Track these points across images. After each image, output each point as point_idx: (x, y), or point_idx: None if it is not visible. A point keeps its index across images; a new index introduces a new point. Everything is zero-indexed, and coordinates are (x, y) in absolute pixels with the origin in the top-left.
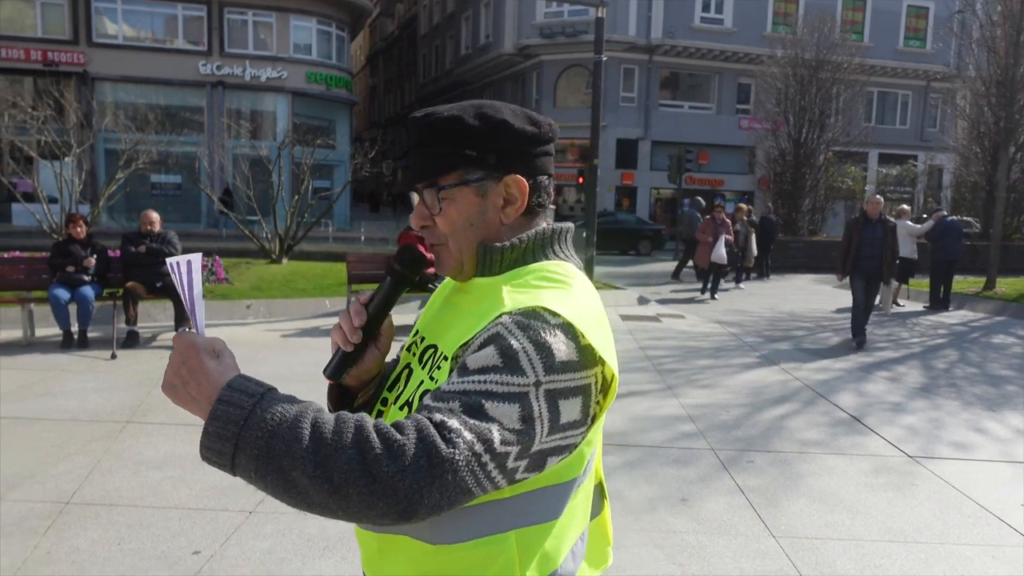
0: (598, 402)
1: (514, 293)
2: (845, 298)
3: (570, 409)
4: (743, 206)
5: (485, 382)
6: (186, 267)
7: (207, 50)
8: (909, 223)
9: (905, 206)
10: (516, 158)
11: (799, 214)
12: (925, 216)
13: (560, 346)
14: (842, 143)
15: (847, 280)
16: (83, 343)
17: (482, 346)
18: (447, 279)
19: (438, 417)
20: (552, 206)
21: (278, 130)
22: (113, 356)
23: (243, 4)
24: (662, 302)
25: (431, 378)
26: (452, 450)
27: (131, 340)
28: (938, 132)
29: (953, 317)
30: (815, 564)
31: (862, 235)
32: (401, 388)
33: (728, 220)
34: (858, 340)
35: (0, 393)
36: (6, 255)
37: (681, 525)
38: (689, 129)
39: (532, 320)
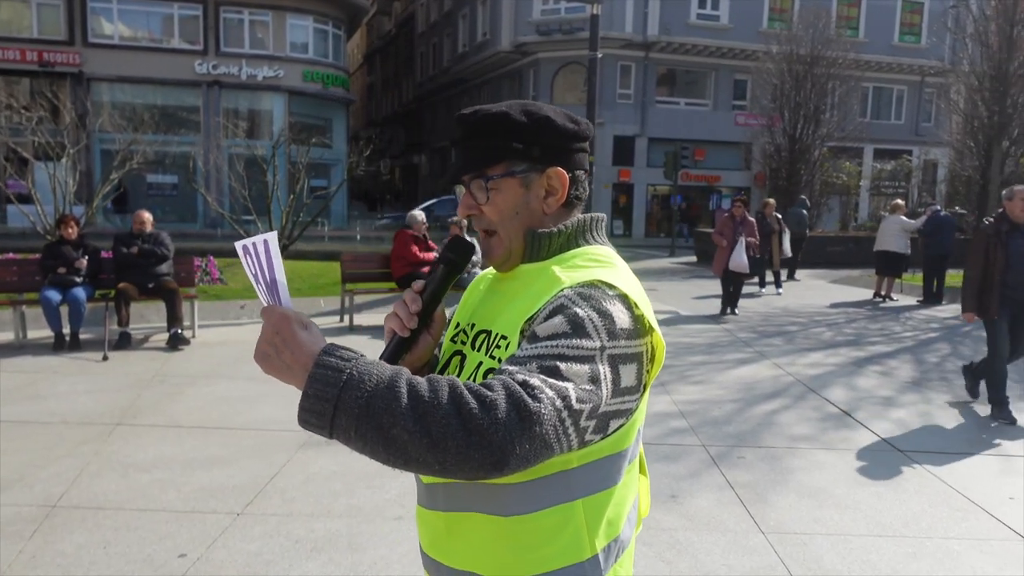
0: (648, 370)
1: (568, 272)
2: (839, 293)
3: (628, 374)
4: (771, 200)
5: (557, 347)
6: (263, 247)
7: (203, 49)
8: (903, 218)
9: (899, 201)
10: (558, 152)
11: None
12: (921, 210)
13: (619, 315)
14: (837, 138)
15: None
16: (75, 345)
17: (550, 316)
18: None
19: (520, 377)
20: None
21: (275, 129)
22: (105, 358)
23: (239, 3)
24: (665, 322)
25: (491, 357)
26: (538, 405)
27: (123, 342)
28: (933, 127)
29: (946, 311)
30: (803, 560)
31: (1008, 250)
32: (455, 373)
33: (751, 219)
34: (1002, 415)
35: None
36: None
37: (671, 522)
38: (686, 125)
39: (593, 291)
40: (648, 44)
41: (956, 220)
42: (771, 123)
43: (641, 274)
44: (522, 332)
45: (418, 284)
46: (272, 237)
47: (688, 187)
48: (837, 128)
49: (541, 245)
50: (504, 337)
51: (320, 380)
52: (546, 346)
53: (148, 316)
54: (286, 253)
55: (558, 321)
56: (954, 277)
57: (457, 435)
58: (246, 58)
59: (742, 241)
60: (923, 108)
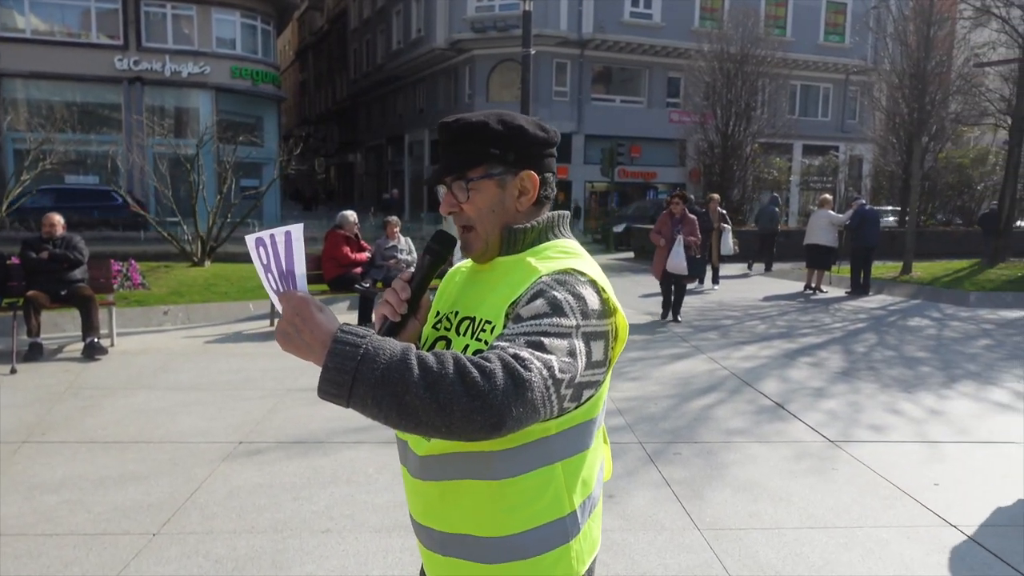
0: (612, 347)
1: (543, 262)
2: (772, 286)
3: (597, 350)
4: (715, 196)
5: (540, 325)
6: (283, 238)
7: (123, 44)
8: (831, 212)
9: (827, 195)
10: (529, 157)
11: (729, 204)
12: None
13: (590, 298)
14: (767, 135)
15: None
16: None
17: (531, 299)
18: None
19: (512, 351)
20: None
21: (202, 127)
22: (13, 371)
23: None
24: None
25: (477, 340)
26: (530, 374)
27: (34, 353)
28: (857, 124)
29: (872, 302)
30: (738, 555)
31: None
32: None
33: (692, 216)
34: None
35: None
36: None
37: (607, 523)
38: (622, 123)
39: (567, 278)
40: (583, 42)
41: (879, 213)
42: (704, 120)
43: None
44: (506, 315)
45: (406, 274)
46: (296, 228)
47: (625, 184)
48: (767, 125)
49: (517, 239)
50: (488, 322)
51: (339, 355)
52: (531, 325)
53: (63, 325)
54: (214, 256)
55: (539, 303)
56: (880, 268)
57: (462, 400)
58: (170, 54)
59: (680, 240)
60: (848, 105)
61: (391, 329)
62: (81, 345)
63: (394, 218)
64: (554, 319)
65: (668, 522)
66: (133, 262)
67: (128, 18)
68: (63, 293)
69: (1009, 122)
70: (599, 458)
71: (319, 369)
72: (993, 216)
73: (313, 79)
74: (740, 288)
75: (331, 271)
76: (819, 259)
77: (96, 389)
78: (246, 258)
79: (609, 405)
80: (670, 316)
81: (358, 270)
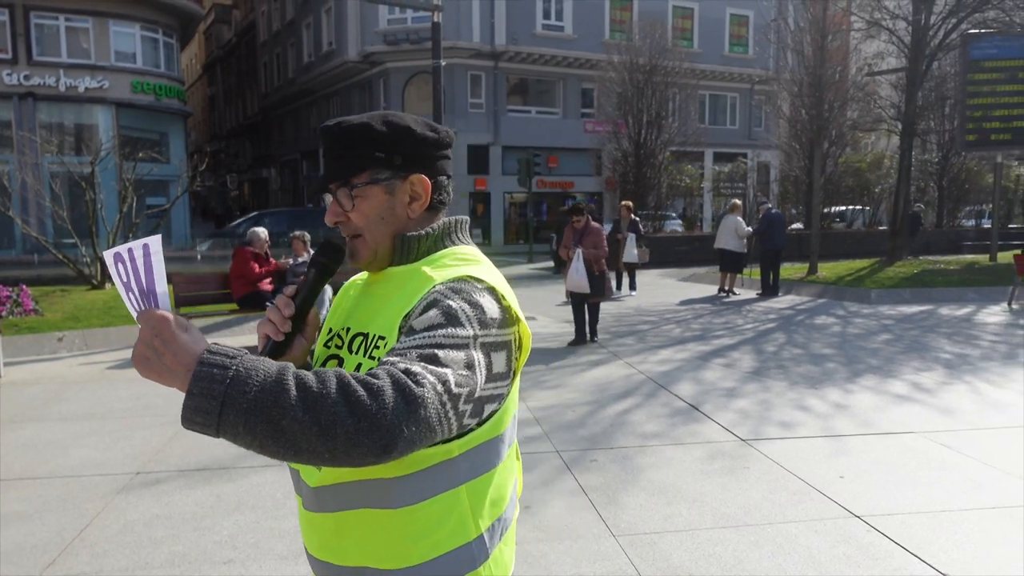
0: (516, 357)
1: (438, 270)
2: (688, 290)
3: (499, 361)
4: (626, 203)
5: (434, 336)
6: (141, 251)
7: (12, 58)
8: (739, 220)
9: (737, 201)
10: (419, 160)
11: (644, 212)
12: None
13: (489, 306)
14: (678, 143)
15: (693, 273)
16: None
17: (424, 310)
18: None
19: (402, 365)
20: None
21: (104, 144)
22: None
23: (53, 8)
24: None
25: (371, 358)
26: (422, 390)
27: None
28: (763, 131)
29: (782, 302)
30: (652, 559)
31: None
32: None
33: (596, 225)
34: None
35: None
36: None
37: (522, 534)
38: (538, 133)
39: (463, 285)
40: (496, 54)
41: (785, 217)
42: (617, 129)
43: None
44: (400, 328)
45: (290, 289)
46: (154, 241)
47: (543, 193)
48: (678, 133)
49: (410, 248)
50: (382, 338)
51: (205, 378)
52: (424, 337)
53: None
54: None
55: (433, 314)
56: (789, 270)
57: (346, 422)
58: (64, 68)
59: (579, 255)
60: (754, 114)
61: (275, 349)
62: None
63: (300, 233)
64: (449, 329)
65: (583, 530)
66: (24, 287)
67: (16, 30)
68: None
69: (900, 127)
70: (511, 476)
71: None
72: (916, 217)
73: (223, 94)
74: (657, 293)
75: (240, 289)
76: (730, 263)
77: None
78: None
79: (527, 414)
80: (587, 338)
81: (269, 287)
